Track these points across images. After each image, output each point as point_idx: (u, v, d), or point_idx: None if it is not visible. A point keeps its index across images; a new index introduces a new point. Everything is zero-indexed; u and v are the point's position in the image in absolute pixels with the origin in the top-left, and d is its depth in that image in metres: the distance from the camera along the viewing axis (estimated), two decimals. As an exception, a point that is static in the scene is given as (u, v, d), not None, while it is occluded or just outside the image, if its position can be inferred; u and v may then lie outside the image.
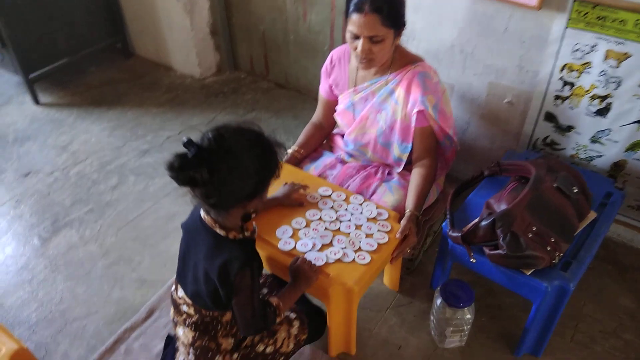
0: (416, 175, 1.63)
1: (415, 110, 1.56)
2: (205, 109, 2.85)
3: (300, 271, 1.30)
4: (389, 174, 1.76)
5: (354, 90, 1.70)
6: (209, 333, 1.25)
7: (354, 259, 1.38)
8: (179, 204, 2.17)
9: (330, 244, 1.43)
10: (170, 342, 1.45)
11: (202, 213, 1.15)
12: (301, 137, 1.85)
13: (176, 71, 3.22)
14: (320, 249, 1.41)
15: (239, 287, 1.12)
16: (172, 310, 1.32)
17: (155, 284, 1.81)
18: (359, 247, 1.42)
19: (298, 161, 1.83)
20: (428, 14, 1.87)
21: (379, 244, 1.43)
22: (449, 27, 1.85)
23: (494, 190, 1.62)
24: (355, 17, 1.44)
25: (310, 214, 1.52)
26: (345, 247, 1.42)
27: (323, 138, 1.93)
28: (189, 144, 0.98)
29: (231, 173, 1.01)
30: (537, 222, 1.38)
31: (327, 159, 1.82)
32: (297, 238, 1.45)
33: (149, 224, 2.09)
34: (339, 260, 1.38)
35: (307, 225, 1.49)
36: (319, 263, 1.36)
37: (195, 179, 0.97)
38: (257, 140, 1.06)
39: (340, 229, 1.48)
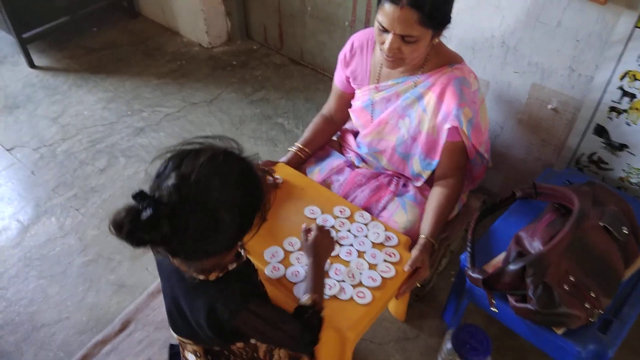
0: (437, 194, 1.42)
1: (448, 125, 1.34)
2: (209, 83, 2.65)
3: (317, 243, 1.15)
4: (404, 185, 1.54)
5: (375, 88, 1.47)
6: None
7: (352, 297, 1.20)
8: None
9: (326, 275, 1.24)
10: (175, 351, 1.28)
11: None
12: (307, 133, 1.64)
13: (183, 37, 3.00)
14: (314, 281, 1.23)
15: (250, 331, 0.95)
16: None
17: (133, 290, 1.68)
18: (359, 282, 1.23)
19: (301, 162, 1.62)
20: (466, -4, 1.61)
21: (383, 278, 1.25)
22: (490, 13, 1.59)
23: (527, 218, 1.40)
24: (387, 8, 1.20)
25: (306, 233, 1.33)
26: (343, 280, 1.23)
27: (332, 134, 1.71)
28: (141, 198, 0.75)
29: (201, 230, 0.80)
30: (576, 270, 1.17)
31: (334, 160, 1.61)
32: (288, 263, 1.27)
33: (135, 217, 1.93)
34: (334, 297, 1.20)
35: (302, 249, 1.30)
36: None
37: (153, 240, 0.77)
38: (236, 179, 0.83)
39: (340, 255, 1.29)
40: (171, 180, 0.77)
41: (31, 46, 2.77)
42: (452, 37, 1.72)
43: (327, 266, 1.25)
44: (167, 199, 0.76)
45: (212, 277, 0.92)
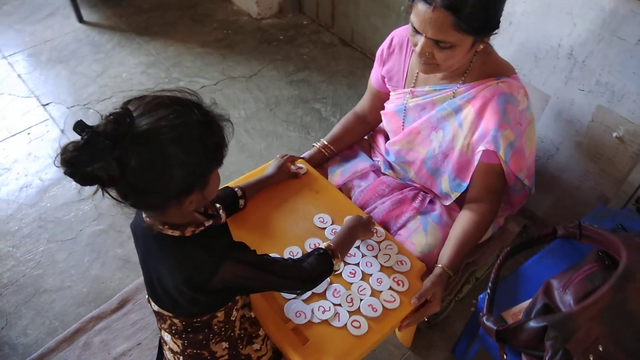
0: (464, 220, 1.27)
1: (482, 148, 1.19)
2: (252, 57, 2.57)
3: (358, 219, 1.19)
4: (431, 202, 1.41)
5: (411, 92, 1.33)
6: (199, 343, 1.06)
7: (345, 325, 1.10)
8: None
9: (323, 295, 1.15)
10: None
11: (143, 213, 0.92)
12: (335, 129, 1.53)
13: (233, 5, 2.92)
14: (308, 299, 1.14)
15: (238, 280, 0.92)
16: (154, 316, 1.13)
17: (137, 268, 1.66)
18: (358, 309, 1.13)
19: (325, 160, 1.52)
20: (535, -4, 1.41)
21: (385, 309, 1.14)
22: (560, 20, 1.39)
23: (564, 262, 1.24)
24: (420, 7, 1.05)
25: (310, 243, 1.24)
26: (339, 304, 1.13)
27: (363, 134, 1.59)
28: (78, 128, 0.71)
29: (145, 166, 0.75)
30: (609, 340, 1.01)
31: (359, 163, 1.50)
32: (285, 276, 1.18)
33: (152, 191, 1.91)
34: (326, 322, 1.11)
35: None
36: (300, 320, 1.10)
37: (97, 176, 0.73)
38: (183, 115, 0.77)
39: (342, 274, 1.19)
40: (114, 113, 0.74)
41: (82, 1, 2.78)
42: (512, 40, 1.53)
43: (325, 285, 1.16)
44: (102, 127, 0.72)
45: (188, 232, 0.89)
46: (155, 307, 1.04)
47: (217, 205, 1.00)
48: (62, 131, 2.16)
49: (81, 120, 0.71)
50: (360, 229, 1.18)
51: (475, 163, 1.23)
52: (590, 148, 1.52)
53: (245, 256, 0.94)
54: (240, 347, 1.11)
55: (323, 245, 1.08)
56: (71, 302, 1.58)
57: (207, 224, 0.92)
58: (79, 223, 1.80)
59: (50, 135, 2.15)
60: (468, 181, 1.27)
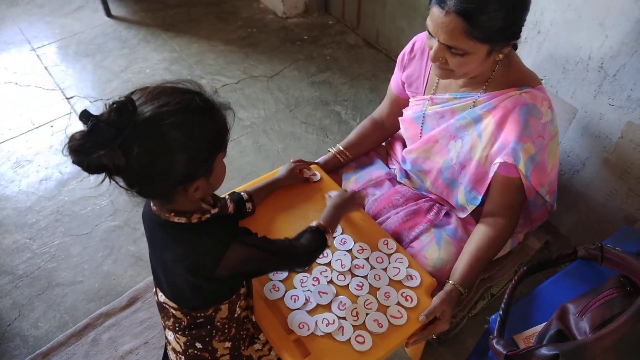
0: (479, 235, 1.24)
1: (500, 160, 1.15)
2: (275, 57, 2.56)
3: (344, 195, 1.20)
4: (446, 214, 1.37)
5: (430, 99, 1.30)
6: (202, 339, 1.06)
7: (349, 339, 1.08)
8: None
9: (328, 307, 1.13)
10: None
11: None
12: (352, 135, 1.51)
13: (260, 3, 2.92)
14: (312, 311, 1.12)
15: (243, 263, 0.93)
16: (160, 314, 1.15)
17: (149, 266, 1.65)
18: (363, 323, 1.11)
19: (340, 166, 1.50)
20: (565, 4, 1.36)
21: (391, 325, 1.11)
22: (591, 31, 1.33)
23: (582, 285, 1.19)
24: (434, 11, 1.03)
25: (319, 253, 1.22)
26: (344, 318, 1.11)
27: (381, 140, 1.56)
28: (84, 117, 0.74)
29: (148, 152, 0.77)
30: (625, 373, 0.96)
31: (375, 171, 1.47)
32: (290, 285, 1.17)
33: (168, 189, 1.92)
34: (329, 335, 1.09)
35: (309, 270, 1.19)
36: (303, 332, 1.08)
37: (104, 164, 0.75)
38: (183, 102, 0.80)
39: (349, 287, 1.17)
40: (117, 102, 0.75)
41: (111, -5, 2.83)
42: (540, 50, 1.48)
43: (331, 297, 1.14)
44: (106, 116, 0.74)
45: (194, 219, 0.91)
46: (162, 298, 1.06)
47: (226, 196, 1.02)
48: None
49: (86, 110, 0.74)
50: (345, 204, 1.20)
51: (491, 175, 1.19)
52: (617, 165, 1.46)
53: (250, 239, 0.97)
54: (242, 348, 1.11)
55: (313, 223, 1.10)
56: (82, 297, 1.60)
57: (213, 211, 0.94)
58: (95, 218, 1.83)
59: (73, 128, 2.18)
60: (483, 194, 1.24)
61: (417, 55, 1.33)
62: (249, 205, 1.25)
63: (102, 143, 0.73)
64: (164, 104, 0.78)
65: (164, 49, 2.61)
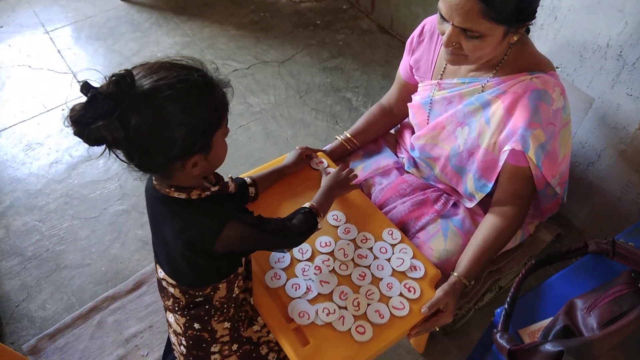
0: (487, 225, 1.21)
1: (509, 147, 1.11)
2: (286, 42, 2.53)
3: (335, 176, 1.23)
4: (454, 205, 1.35)
5: (438, 84, 1.27)
6: (201, 319, 1.07)
7: (349, 329, 1.07)
8: (215, 158, 1.97)
9: (329, 296, 1.12)
10: (170, 351, 1.30)
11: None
12: (359, 122, 1.48)
13: (273, -13, 2.88)
14: (313, 300, 1.12)
15: (239, 240, 0.95)
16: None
17: (155, 251, 1.68)
18: (364, 313, 1.10)
19: (347, 153, 1.48)
20: (584, -11, 1.31)
21: (392, 316, 1.10)
22: (610, 18, 1.28)
23: (592, 280, 1.17)
24: None
25: (321, 241, 1.21)
26: (345, 307, 1.10)
27: (389, 127, 1.54)
28: (84, 88, 0.76)
29: (145, 124, 0.78)
30: (632, 372, 0.94)
31: (382, 159, 1.45)
32: (292, 274, 1.16)
33: (176, 174, 1.92)
34: (329, 325, 1.08)
35: (311, 259, 1.18)
36: (303, 321, 1.08)
37: (103, 136, 0.77)
38: (182, 76, 0.81)
39: (352, 276, 1.16)
40: (117, 75, 0.77)
41: (124, -23, 2.82)
42: (557, 37, 1.43)
43: (333, 286, 1.13)
44: (106, 90, 0.76)
45: (194, 195, 0.92)
46: (161, 274, 1.06)
47: (229, 176, 1.04)
48: (95, 109, 2.21)
49: (87, 82, 0.76)
50: (339, 186, 1.22)
51: (501, 163, 1.16)
52: (634, 158, 1.41)
53: (246, 217, 0.97)
54: (242, 329, 1.12)
55: (307, 205, 1.11)
56: (89, 279, 1.62)
57: (213, 189, 0.94)
58: (104, 202, 1.84)
59: (84, 112, 2.20)
60: (493, 182, 1.21)
61: (426, 38, 1.30)
62: (252, 189, 1.24)
63: (100, 114, 0.75)
64: (162, 77, 0.79)
65: (175, 33, 2.60)
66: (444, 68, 1.25)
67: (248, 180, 1.24)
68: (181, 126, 0.80)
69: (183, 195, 0.91)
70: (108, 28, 2.65)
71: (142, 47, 2.52)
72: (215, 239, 0.91)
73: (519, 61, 1.13)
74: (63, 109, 2.21)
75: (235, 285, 1.04)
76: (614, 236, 1.22)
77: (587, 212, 1.65)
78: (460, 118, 1.22)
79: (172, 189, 0.91)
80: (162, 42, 2.55)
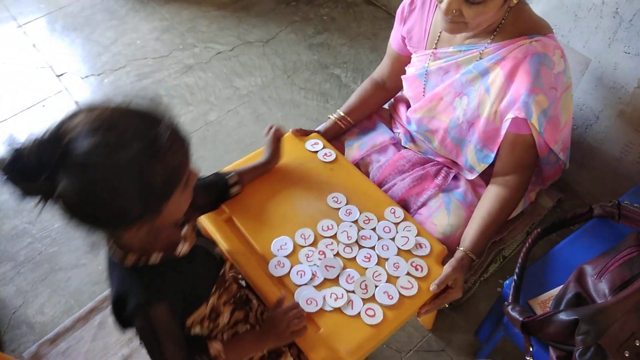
0: (491, 197, 1.19)
1: (512, 115, 1.08)
2: (269, 20, 2.46)
3: (275, 323, 0.97)
4: (454, 178, 1.32)
5: (433, 54, 1.23)
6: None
7: (359, 313, 1.05)
8: (207, 147, 1.92)
9: (336, 281, 1.10)
10: None
11: None
12: (352, 99, 1.44)
13: (252, -38, 2.79)
14: (319, 286, 1.09)
15: (140, 334, 0.85)
16: None
17: (152, 246, 1.65)
18: (372, 296, 1.08)
19: (341, 132, 1.44)
20: (577, -55, 1.26)
21: (401, 296, 1.08)
22: (605, -28, 1.24)
23: (600, 245, 1.15)
24: None
25: (323, 225, 1.18)
26: (353, 291, 1.08)
27: (382, 102, 1.50)
28: (8, 144, 0.67)
29: (74, 196, 0.68)
30: (647, 335, 0.93)
31: (378, 136, 1.41)
32: (295, 260, 1.13)
33: (167, 165, 1.87)
34: (338, 310, 1.06)
35: (314, 244, 1.16)
36: (311, 308, 1.06)
37: (32, 192, 0.69)
38: (125, 144, 0.68)
39: (357, 259, 1.14)
40: (48, 131, 0.68)
41: (95, -37, 2.70)
42: (550, -3, 1.39)
43: (338, 270, 1.11)
44: (27, 152, 0.66)
45: (129, 261, 0.81)
46: None
47: (185, 230, 0.89)
48: (77, 103, 2.14)
49: (12, 135, 0.67)
50: (270, 340, 0.98)
51: (503, 132, 1.13)
52: (634, 117, 1.39)
53: (170, 319, 0.85)
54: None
55: (214, 346, 0.93)
56: (86, 280, 1.58)
57: (151, 260, 0.83)
58: (94, 198, 1.79)
59: (65, 107, 2.12)
60: (495, 152, 1.18)
61: (417, 6, 1.25)
62: (237, 188, 1.16)
63: (21, 177, 0.67)
64: (100, 144, 0.67)
65: (153, 18, 2.52)
66: (439, 36, 1.21)
67: (232, 178, 1.14)
68: (118, 199, 0.69)
69: (117, 257, 0.82)
70: (83, 17, 2.55)
71: (121, 35, 2.44)
72: (131, 316, 0.83)
73: (517, 25, 1.09)
74: (44, 106, 2.13)
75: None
76: (616, 198, 1.21)
77: (587, 176, 1.64)
78: (458, 88, 1.19)
79: (112, 241, 0.82)
80: (141, 27, 2.47)
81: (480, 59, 1.13)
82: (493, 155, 1.19)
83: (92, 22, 2.52)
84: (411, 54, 1.32)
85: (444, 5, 1.01)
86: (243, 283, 1.13)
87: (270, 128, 1.24)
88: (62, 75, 2.26)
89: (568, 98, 1.14)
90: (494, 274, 1.52)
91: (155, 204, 0.74)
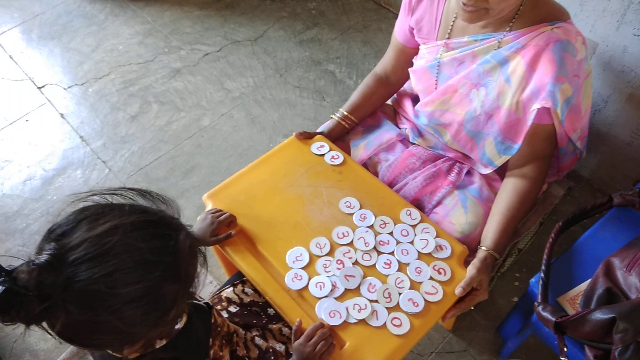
0: (509, 191, 1.15)
1: (538, 105, 1.05)
2: (256, 17, 2.39)
3: (303, 356, 0.95)
4: (468, 173, 1.29)
5: (445, 45, 1.18)
6: None
7: (385, 323, 1.02)
8: (203, 154, 1.86)
9: (357, 291, 1.06)
10: None
11: None
12: (355, 96, 1.39)
13: (232, -42, 2.71)
14: (340, 297, 1.05)
15: None
16: None
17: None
18: (397, 304, 1.04)
19: (345, 132, 1.40)
20: None
21: (426, 302, 1.04)
22: (612, -47, 1.21)
23: (624, 235, 1.14)
24: None
25: (338, 232, 1.14)
26: (376, 301, 1.04)
27: (387, 98, 1.45)
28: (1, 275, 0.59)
29: (76, 327, 0.62)
30: (687, 329, 0.91)
31: (385, 133, 1.37)
32: (313, 271, 1.09)
33: (162, 175, 1.81)
34: (363, 321, 1.02)
35: (331, 253, 1.12)
36: (335, 321, 1.02)
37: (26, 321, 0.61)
38: (138, 274, 0.62)
39: (377, 266, 1.10)
40: (43, 256, 0.60)
41: (68, -34, 2.61)
42: (553, -19, 1.35)
43: (359, 279, 1.07)
44: (23, 282, 0.58)
45: (132, 357, 0.75)
46: None
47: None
48: (62, 115, 2.06)
49: (1, 267, 0.60)
50: None
51: (529, 123, 1.09)
52: (645, 100, 1.37)
53: None
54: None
55: None
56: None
57: (158, 345, 0.78)
58: (89, 215, 1.73)
59: (50, 120, 2.05)
60: (520, 143, 1.13)
61: None
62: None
63: (20, 307, 0.59)
64: (109, 273, 0.60)
65: (134, 22, 2.44)
66: (452, 26, 1.16)
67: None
68: (127, 328, 0.64)
69: (118, 355, 0.75)
70: (60, 25, 2.46)
71: (101, 41, 2.35)
72: None
73: (536, 11, 1.05)
74: (27, 120, 2.05)
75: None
76: (627, 183, 1.19)
77: (596, 162, 1.62)
78: (474, 79, 1.14)
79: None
80: (122, 32, 2.39)
81: (499, 47, 1.09)
82: (516, 147, 1.15)
83: (70, 30, 2.43)
84: (418, 45, 1.27)
85: None
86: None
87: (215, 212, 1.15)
88: (43, 87, 2.18)
89: (589, 86, 1.11)
90: (510, 268, 1.50)
91: (163, 318, 0.68)
